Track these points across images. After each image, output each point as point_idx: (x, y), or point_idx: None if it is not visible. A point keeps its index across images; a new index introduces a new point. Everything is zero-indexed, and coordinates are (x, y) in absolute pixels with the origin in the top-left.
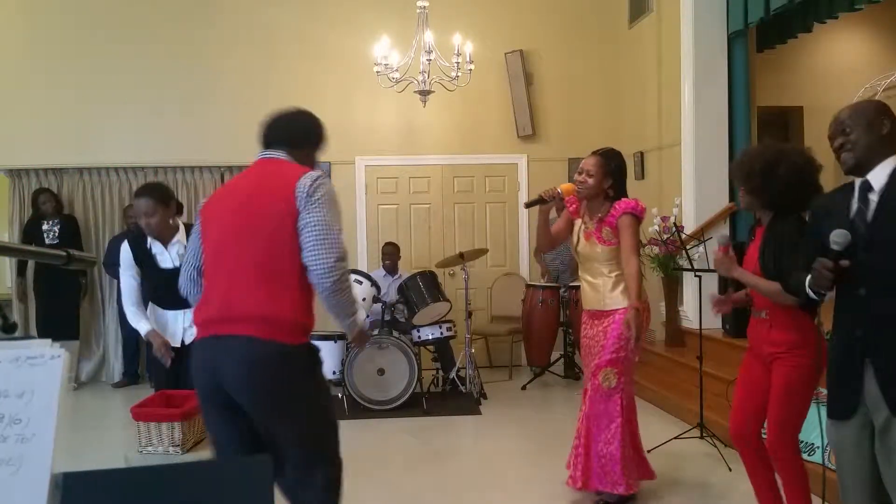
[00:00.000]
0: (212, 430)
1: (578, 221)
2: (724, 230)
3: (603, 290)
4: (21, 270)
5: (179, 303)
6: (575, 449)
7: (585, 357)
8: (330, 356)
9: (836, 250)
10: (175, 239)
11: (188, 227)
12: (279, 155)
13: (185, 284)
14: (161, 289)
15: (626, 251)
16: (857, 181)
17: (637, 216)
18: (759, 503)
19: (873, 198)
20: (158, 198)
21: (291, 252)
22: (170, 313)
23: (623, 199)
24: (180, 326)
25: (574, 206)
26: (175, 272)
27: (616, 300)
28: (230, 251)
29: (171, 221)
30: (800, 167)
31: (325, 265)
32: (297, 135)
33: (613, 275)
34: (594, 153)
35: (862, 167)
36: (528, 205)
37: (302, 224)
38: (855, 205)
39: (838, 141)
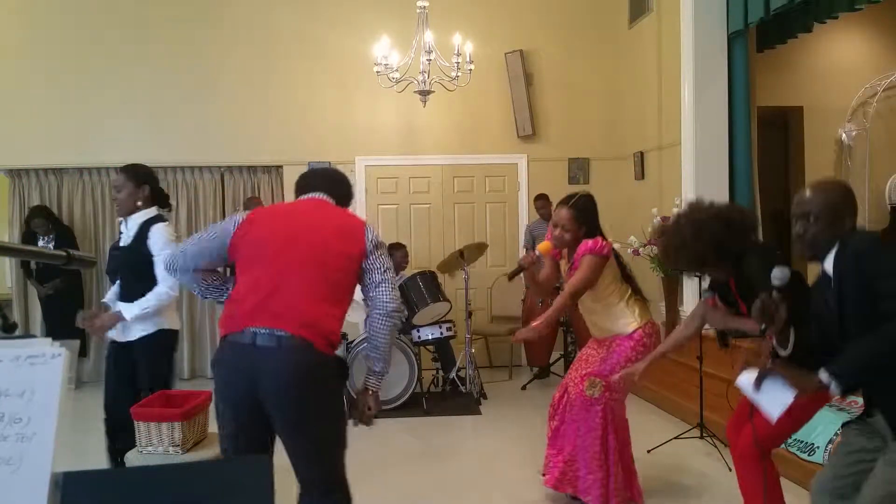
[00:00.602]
0: (229, 435)
1: (563, 262)
2: (709, 293)
3: (604, 324)
4: (28, 273)
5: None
6: (549, 450)
7: (576, 364)
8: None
9: (777, 286)
10: (133, 217)
11: (156, 220)
12: (330, 200)
13: (186, 274)
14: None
15: (569, 284)
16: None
17: (597, 255)
18: None
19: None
20: (130, 175)
21: (350, 283)
22: (122, 303)
23: (585, 241)
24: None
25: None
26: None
27: (614, 330)
28: (296, 268)
29: (137, 203)
30: (719, 222)
31: (394, 304)
32: (342, 195)
33: (601, 307)
34: (564, 204)
35: (817, 258)
36: (511, 276)
37: (368, 266)
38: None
39: (800, 226)
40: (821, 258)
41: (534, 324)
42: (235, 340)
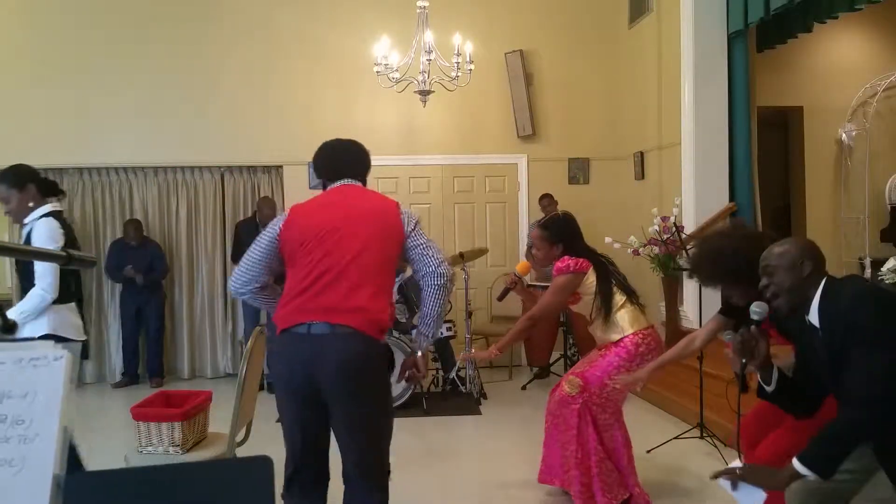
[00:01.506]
0: (288, 421)
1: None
2: (730, 336)
3: (597, 333)
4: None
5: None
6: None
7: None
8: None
9: (756, 320)
10: (29, 219)
11: (47, 215)
12: (359, 183)
13: (246, 280)
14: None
15: (539, 301)
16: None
17: (564, 274)
18: None
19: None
20: (11, 181)
21: (392, 266)
22: (66, 305)
23: (561, 259)
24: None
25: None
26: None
27: (610, 336)
28: (340, 257)
29: (28, 205)
30: (745, 245)
31: (439, 263)
32: (366, 170)
33: (595, 321)
34: (538, 224)
35: (797, 309)
36: (500, 298)
37: (412, 244)
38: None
39: (763, 282)
40: (798, 309)
41: (490, 349)
42: (291, 331)
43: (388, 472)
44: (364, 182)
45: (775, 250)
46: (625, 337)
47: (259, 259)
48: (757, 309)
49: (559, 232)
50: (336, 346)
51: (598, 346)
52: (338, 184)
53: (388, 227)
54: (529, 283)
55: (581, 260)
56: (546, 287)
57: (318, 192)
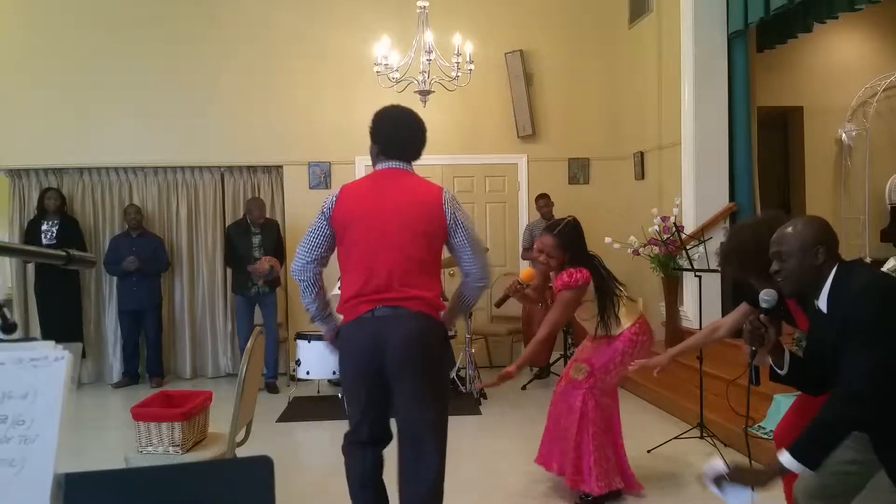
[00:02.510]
0: (357, 400)
1: (550, 278)
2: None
3: (588, 328)
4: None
5: None
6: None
7: (574, 356)
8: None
9: (765, 308)
10: None
11: None
12: (408, 167)
13: (306, 267)
14: None
15: (545, 322)
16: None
17: (571, 288)
18: None
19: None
20: None
21: (438, 252)
22: None
23: (563, 273)
24: None
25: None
26: None
27: (616, 327)
28: (391, 246)
29: None
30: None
31: (484, 271)
32: (420, 151)
33: (591, 319)
34: (548, 231)
35: (804, 294)
36: (499, 304)
37: (454, 242)
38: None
39: (774, 266)
40: (809, 294)
41: (508, 368)
42: (357, 317)
43: (445, 434)
44: (416, 160)
45: (787, 233)
46: (623, 331)
47: (316, 235)
48: (766, 297)
49: (572, 241)
50: (398, 322)
51: (590, 338)
52: (387, 165)
53: (431, 218)
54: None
55: (581, 272)
56: (549, 287)
57: (319, 191)
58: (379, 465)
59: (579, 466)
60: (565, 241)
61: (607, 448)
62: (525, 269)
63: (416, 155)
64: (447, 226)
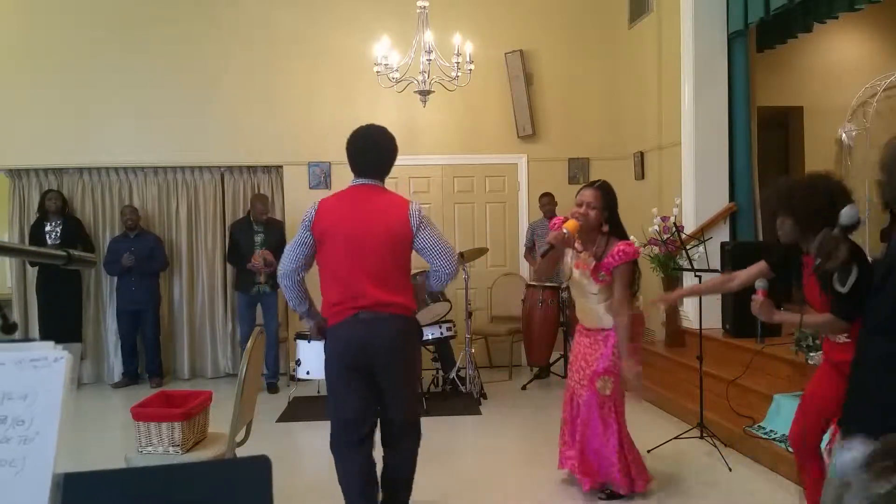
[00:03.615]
0: (340, 394)
1: (569, 251)
2: (763, 284)
3: (597, 313)
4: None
5: None
6: (564, 450)
7: (575, 364)
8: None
9: (844, 224)
10: None
11: None
12: (378, 183)
13: (291, 274)
14: None
15: (617, 301)
16: None
17: (629, 262)
18: None
19: None
20: None
21: (408, 258)
22: None
23: (620, 243)
24: None
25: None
26: None
27: (605, 321)
28: (363, 259)
29: None
30: (835, 189)
31: (450, 267)
32: (389, 166)
33: (603, 301)
34: (590, 186)
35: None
36: (544, 254)
37: (419, 243)
38: None
39: (881, 177)
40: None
41: (632, 362)
42: (343, 320)
43: (419, 420)
44: (386, 175)
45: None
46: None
47: (300, 245)
48: (850, 212)
49: (612, 198)
50: (381, 324)
51: (586, 328)
52: (360, 182)
53: (399, 230)
54: (530, 282)
55: (632, 245)
56: (549, 287)
57: (319, 191)
58: (373, 463)
59: (628, 473)
60: (607, 195)
61: (634, 446)
62: (570, 221)
63: (386, 171)
64: (413, 233)
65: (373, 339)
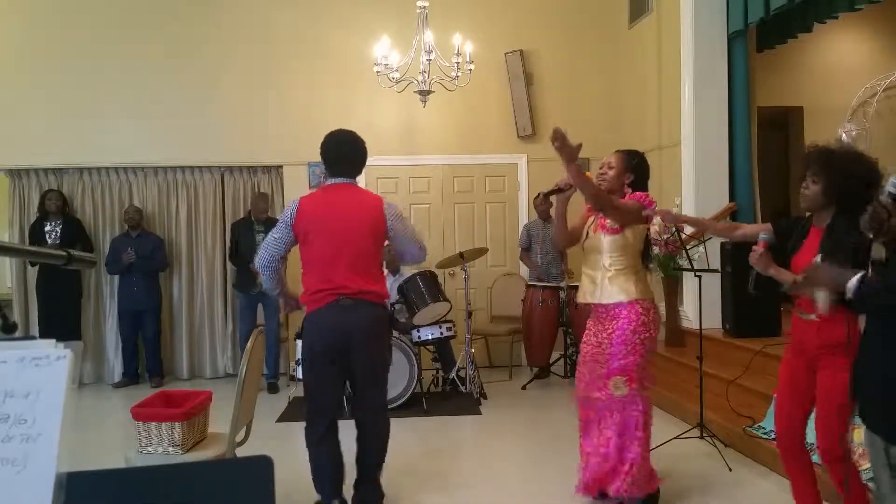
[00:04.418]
0: (317, 376)
1: (591, 217)
2: (767, 236)
3: (600, 282)
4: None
5: None
6: (587, 457)
7: (589, 364)
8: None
9: (894, 193)
10: None
11: None
12: (353, 182)
13: (271, 264)
14: None
15: (596, 192)
16: None
17: (641, 202)
18: None
19: None
20: None
21: (381, 251)
22: None
23: (635, 193)
24: None
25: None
26: None
27: (613, 294)
28: (343, 251)
29: None
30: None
31: (421, 253)
32: (362, 167)
33: (613, 269)
34: (617, 151)
35: None
36: (547, 194)
37: (394, 234)
38: None
39: None
40: None
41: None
42: (325, 305)
43: (387, 403)
44: (359, 174)
45: None
46: (634, 301)
47: (279, 240)
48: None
49: (638, 163)
50: (361, 311)
51: (595, 312)
52: (337, 181)
53: (375, 224)
54: (530, 282)
55: (647, 196)
56: (549, 287)
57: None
58: (340, 448)
59: (647, 464)
60: (632, 160)
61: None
62: (588, 172)
63: (359, 170)
64: (387, 226)
65: (352, 324)
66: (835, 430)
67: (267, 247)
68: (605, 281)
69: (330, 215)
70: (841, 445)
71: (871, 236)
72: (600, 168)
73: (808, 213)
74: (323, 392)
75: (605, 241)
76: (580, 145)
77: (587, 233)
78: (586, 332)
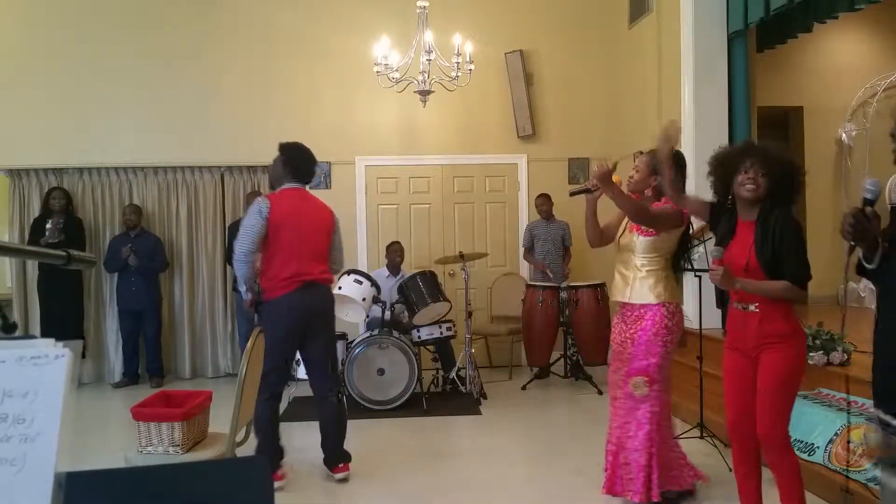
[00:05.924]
0: (285, 350)
1: (623, 225)
2: (717, 253)
3: (632, 282)
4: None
5: None
6: (607, 455)
7: (615, 362)
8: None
9: (868, 198)
10: None
11: None
12: (307, 188)
13: (248, 255)
14: None
15: (625, 199)
16: None
17: (675, 211)
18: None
19: None
20: None
21: (327, 248)
22: None
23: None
24: None
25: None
26: None
27: (643, 294)
28: (308, 244)
29: None
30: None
31: (341, 263)
32: (312, 176)
33: (645, 269)
34: (649, 151)
35: None
36: (573, 193)
37: (335, 240)
38: None
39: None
40: None
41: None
42: (295, 289)
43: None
44: (309, 182)
45: None
46: (660, 304)
47: (255, 232)
48: (871, 187)
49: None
50: (321, 294)
51: (621, 309)
52: (295, 185)
53: (327, 226)
54: (530, 282)
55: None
56: (549, 287)
57: (319, 191)
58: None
59: (631, 478)
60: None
61: (662, 448)
62: (616, 174)
63: (311, 179)
64: (334, 230)
65: (315, 303)
66: (776, 408)
67: (247, 233)
68: (637, 281)
69: (297, 213)
70: (781, 428)
71: (853, 244)
72: (631, 172)
73: (729, 205)
74: (285, 362)
75: (639, 242)
76: (615, 164)
77: (623, 230)
78: (612, 330)
